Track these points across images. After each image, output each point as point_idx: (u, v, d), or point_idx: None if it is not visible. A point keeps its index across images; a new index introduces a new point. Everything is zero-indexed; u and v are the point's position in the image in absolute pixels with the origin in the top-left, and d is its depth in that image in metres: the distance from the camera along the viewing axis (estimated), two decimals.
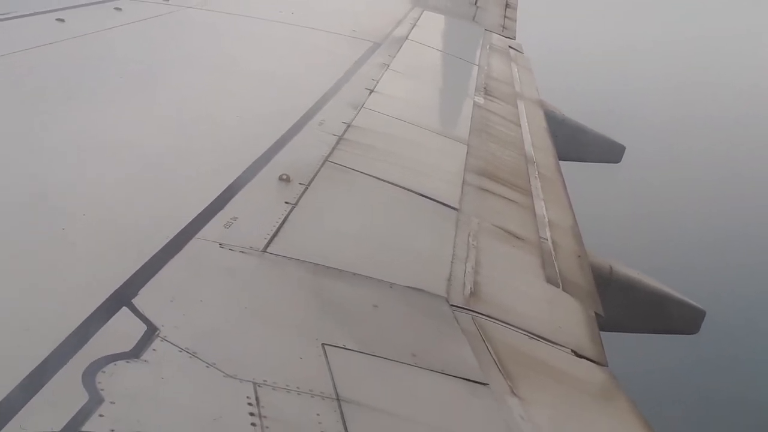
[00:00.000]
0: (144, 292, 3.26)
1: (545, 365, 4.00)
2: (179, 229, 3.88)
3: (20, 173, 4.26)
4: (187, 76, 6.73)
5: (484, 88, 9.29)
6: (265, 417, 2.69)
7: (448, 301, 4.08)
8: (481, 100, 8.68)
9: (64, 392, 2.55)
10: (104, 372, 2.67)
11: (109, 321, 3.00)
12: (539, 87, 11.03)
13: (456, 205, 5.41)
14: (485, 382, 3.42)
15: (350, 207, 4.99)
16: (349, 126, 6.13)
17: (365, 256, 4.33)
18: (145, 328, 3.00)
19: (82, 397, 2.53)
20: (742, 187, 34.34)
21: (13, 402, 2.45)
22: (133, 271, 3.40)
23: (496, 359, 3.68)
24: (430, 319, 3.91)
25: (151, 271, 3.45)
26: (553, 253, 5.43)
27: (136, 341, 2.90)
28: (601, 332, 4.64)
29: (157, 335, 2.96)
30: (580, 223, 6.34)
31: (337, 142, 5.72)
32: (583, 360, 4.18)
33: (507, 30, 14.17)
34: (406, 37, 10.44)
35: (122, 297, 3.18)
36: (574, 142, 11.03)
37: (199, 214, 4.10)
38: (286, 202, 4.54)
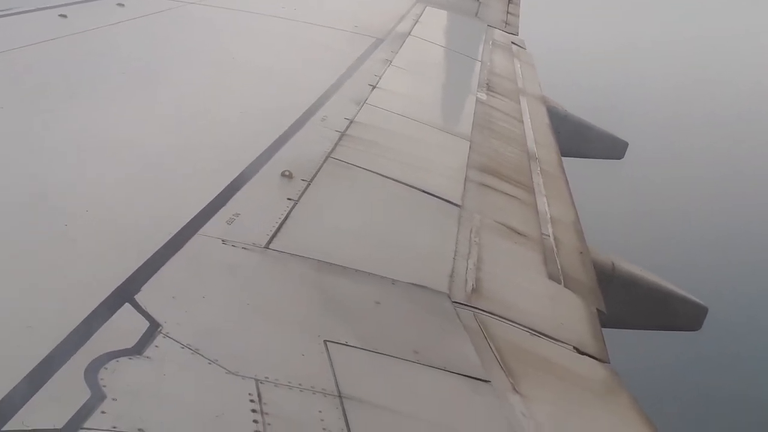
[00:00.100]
0: (146, 288, 3.26)
1: (547, 362, 4.00)
2: (182, 226, 3.88)
3: (22, 170, 4.25)
4: (190, 73, 6.72)
5: (487, 84, 9.28)
6: (267, 414, 2.69)
7: (450, 298, 4.08)
8: (483, 96, 8.68)
9: (66, 389, 2.55)
10: (106, 368, 2.67)
11: (112, 318, 3.00)
12: (542, 83, 11.02)
13: (458, 202, 5.41)
14: (487, 379, 3.42)
15: (352, 203, 4.99)
16: (351, 122, 6.12)
17: (367, 253, 4.33)
18: (148, 324, 3.00)
19: (85, 394, 2.53)
20: (744, 184, 34.31)
21: (15, 398, 2.45)
22: (136, 268, 3.40)
23: (497, 356, 3.68)
24: (432, 316, 3.91)
25: (153, 268, 3.45)
26: (555, 249, 5.43)
27: (138, 338, 2.90)
28: (603, 329, 4.64)
29: (160, 332, 2.97)
30: (582, 219, 6.34)
31: (340, 138, 5.72)
32: (585, 357, 4.18)
33: (510, 26, 14.15)
34: (409, 33, 10.43)
35: (125, 293, 3.18)
36: (577, 138, 11.02)
37: (202, 210, 4.10)
38: (289, 199, 4.54)
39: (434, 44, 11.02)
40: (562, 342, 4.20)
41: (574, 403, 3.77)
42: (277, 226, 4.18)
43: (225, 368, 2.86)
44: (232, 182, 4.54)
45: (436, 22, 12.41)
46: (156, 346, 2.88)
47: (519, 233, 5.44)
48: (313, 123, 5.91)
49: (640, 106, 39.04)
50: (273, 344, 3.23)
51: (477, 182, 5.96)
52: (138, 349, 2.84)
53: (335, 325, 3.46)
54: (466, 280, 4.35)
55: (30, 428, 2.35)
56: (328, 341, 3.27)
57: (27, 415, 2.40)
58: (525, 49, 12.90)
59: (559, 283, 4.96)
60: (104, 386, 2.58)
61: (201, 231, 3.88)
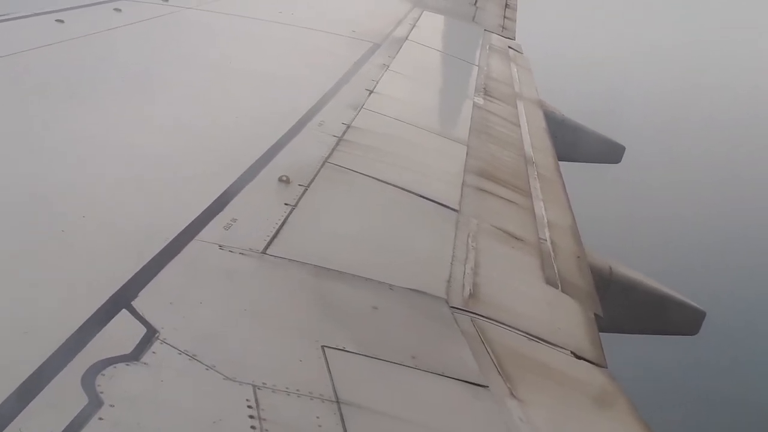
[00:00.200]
0: (143, 294, 3.26)
1: (545, 367, 4.00)
2: (179, 231, 3.88)
3: (19, 175, 4.25)
4: (187, 78, 6.73)
5: (484, 88, 9.29)
6: (264, 419, 2.68)
7: (447, 303, 4.07)
8: (480, 100, 8.68)
9: (63, 395, 2.55)
10: (104, 375, 2.67)
11: (109, 323, 2.99)
12: (539, 87, 11.03)
13: (456, 207, 5.41)
14: (485, 384, 3.42)
15: (350, 208, 4.99)
16: (348, 127, 6.12)
17: (365, 258, 4.33)
18: (145, 330, 2.99)
19: (82, 400, 2.52)
20: (742, 188, 34.37)
21: (12, 405, 2.45)
22: (133, 274, 3.39)
23: (495, 361, 3.68)
24: (430, 321, 3.91)
25: (150, 274, 3.44)
26: (552, 254, 5.43)
27: (135, 344, 2.89)
28: (600, 333, 4.64)
29: (157, 338, 2.96)
30: (579, 223, 6.34)
31: (337, 143, 5.72)
32: (582, 361, 4.18)
33: (506, 30, 14.18)
34: (406, 38, 10.44)
35: (122, 299, 3.17)
36: (574, 143, 11.02)
37: (199, 215, 4.10)
38: (286, 204, 4.54)
39: (431, 49, 11.03)
40: (560, 347, 4.20)
41: (571, 408, 3.76)
42: (274, 231, 4.17)
43: (222, 374, 2.85)
44: (229, 187, 4.53)
45: (433, 26, 12.44)
46: (153, 352, 2.87)
47: (516, 238, 5.44)
48: (311, 128, 5.91)
49: (637, 110, 39.12)
50: (270, 350, 3.23)
51: (474, 187, 5.96)
52: (135, 356, 2.83)
53: (333, 330, 3.46)
54: (464, 285, 4.35)
55: None
56: (326, 347, 3.27)
57: (24, 422, 2.39)
58: (522, 53, 12.91)
59: (557, 288, 4.96)
60: (101, 393, 2.57)
61: (198, 236, 3.88)
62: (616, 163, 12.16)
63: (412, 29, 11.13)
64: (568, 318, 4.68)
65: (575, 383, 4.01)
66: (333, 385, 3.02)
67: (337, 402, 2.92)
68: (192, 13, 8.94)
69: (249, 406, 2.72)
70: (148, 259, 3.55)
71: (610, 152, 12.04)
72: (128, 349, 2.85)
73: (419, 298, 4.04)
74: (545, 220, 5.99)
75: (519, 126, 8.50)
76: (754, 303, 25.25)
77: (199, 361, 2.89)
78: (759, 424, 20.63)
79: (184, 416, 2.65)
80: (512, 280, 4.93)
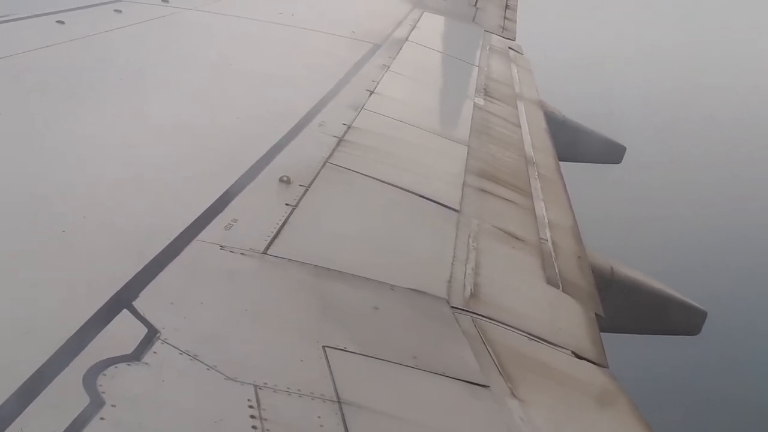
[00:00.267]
0: (144, 294, 3.26)
1: (545, 367, 4.00)
2: (180, 232, 3.88)
3: (20, 176, 4.26)
4: (187, 78, 6.73)
5: (484, 89, 9.29)
6: (266, 419, 2.69)
7: (448, 303, 4.07)
8: (481, 101, 8.69)
9: (65, 395, 2.55)
10: (105, 375, 2.67)
11: (110, 324, 3.00)
12: (539, 88, 11.04)
13: (456, 207, 5.41)
14: (486, 384, 3.42)
15: (351, 208, 4.99)
16: (349, 127, 6.13)
17: (366, 258, 4.33)
18: (146, 330, 2.99)
19: (83, 400, 2.53)
20: (743, 188, 34.36)
21: (14, 405, 2.45)
22: (134, 274, 3.40)
23: (496, 361, 3.68)
24: (431, 321, 3.91)
25: (151, 274, 3.44)
26: (553, 254, 5.43)
27: (136, 344, 2.89)
28: (601, 333, 4.64)
29: (158, 338, 2.96)
30: (581, 224, 6.34)
31: (338, 144, 5.72)
32: (583, 361, 4.18)
33: (507, 31, 14.19)
34: (406, 39, 10.45)
35: (123, 299, 3.18)
36: (575, 143, 11.03)
37: (200, 216, 4.10)
38: (287, 204, 4.54)
39: (432, 50, 11.04)
40: (561, 347, 4.20)
41: (572, 408, 3.76)
42: (275, 231, 4.18)
43: (224, 374, 2.86)
44: (230, 188, 4.54)
45: (433, 27, 12.44)
46: (154, 352, 2.87)
47: (517, 238, 5.44)
48: (311, 128, 5.91)
49: (638, 111, 39.11)
50: (272, 350, 3.23)
51: (475, 187, 5.97)
52: (136, 356, 2.83)
53: (334, 330, 3.46)
54: (465, 285, 4.35)
55: None
56: (327, 347, 3.27)
57: (25, 422, 2.40)
58: (522, 54, 12.92)
59: (558, 288, 4.96)
60: (103, 393, 2.58)
61: (199, 237, 3.88)
62: (617, 163, 12.17)
63: (412, 30, 11.13)
64: (569, 318, 4.68)
65: (576, 383, 4.01)
66: (334, 385, 3.02)
67: (339, 402, 2.92)
68: (192, 14, 8.94)
69: (250, 406, 2.73)
70: (149, 259, 3.56)
71: (610, 152, 12.04)
72: (129, 349, 2.86)
73: (420, 299, 4.04)
74: (546, 221, 5.99)
75: (519, 126, 8.51)
76: (755, 303, 25.24)
77: (201, 361, 2.89)
78: (760, 424, 20.62)
79: (186, 416, 2.66)
80: (513, 281, 4.93)
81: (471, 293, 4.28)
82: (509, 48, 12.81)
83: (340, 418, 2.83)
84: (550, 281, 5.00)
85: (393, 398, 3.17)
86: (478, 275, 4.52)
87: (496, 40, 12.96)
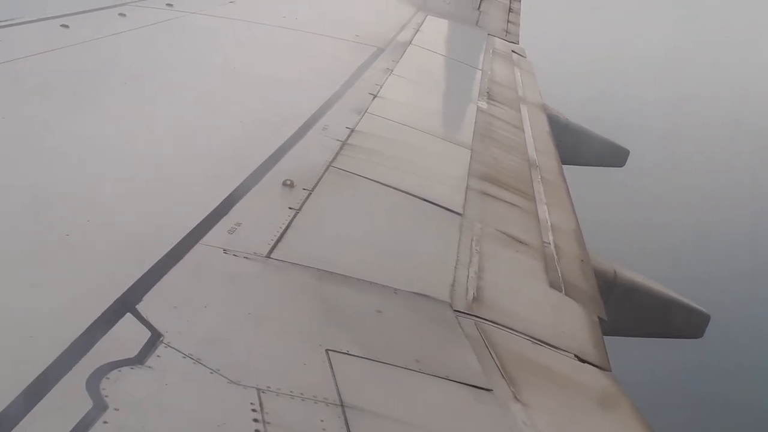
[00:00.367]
0: (148, 298, 3.27)
1: (548, 370, 4.00)
2: (183, 235, 3.89)
3: (24, 179, 4.26)
4: (191, 82, 6.74)
5: (488, 92, 9.30)
6: (269, 423, 2.69)
7: (451, 307, 4.08)
8: (484, 104, 8.69)
9: (68, 399, 2.56)
10: (108, 378, 2.68)
11: (113, 327, 3.00)
12: (542, 91, 11.04)
13: (459, 210, 5.42)
14: (489, 388, 3.42)
15: (354, 212, 4.99)
16: (352, 131, 6.14)
17: (369, 262, 4.34)
18: (149, 334, 3.00)
19: (87, 404, 2.53)
20: (746, 192, 34.31)
21: (17, 409, 2.46)
22: (137, 278, 3.41)
23: (499, 364, 3.68)
24: (434, 325, 3.91)
25: (155, 277, 3.45)
26: (555, 257, 5.43)
27: (140, 347, 2.90)
28: (604, 336, 4.64)
29: (161, 341, 2.97)
30: (584, 227, 6.34)
31: (341, 148, 5.73)
32: (586, 365, 4.18)
33: (510, 34, 14.19)
34: (410, 42, 10.46)
35: (126, 303, 3.18)
36: (578, 146, 11.04)
37: (203, 219, 4.11)
38: (290, 208, 4.55)
39: (435, 53, 11.04)
40: (563, 350, 4.20)
41: (575, 412, 3.76)
42: (278, 235, 4.18)
43: (227, 378, 2.86)
44: (233, 192, 4.54)
45: (436, 31, 12.45)
46: (158, 356, 2.88)
47: (520, 241, 5.44)
48: (315, 132, 5.92)
49: (642, 114, 39.09)
50: (275, 354, 3.23)
51: (478, 191, 5.97)
52: (140, 359, 2.84)
53: (337, 334, 3.46)
54: (468, 288, 4.35)
55: None
56: (330, 350, 3.27)
57: (29, 426, 2.41)
58: (525, 57, 12.93)
59: (560, 291, 4.96)
60: (106, 396, 2.58)
61: (202, 240, 3.89)
62: (621, 166, 12.17)
63: (415, 33, 11.14)
64: (572, 321, 4.68)
65: (579, 387, 4.01)
66: (337, 388, 3.02)
67: (342, 405, 2.92)
68: (196, 17, 8.96)
69: (253, 410, 2.73)
70: (153, 263, 3.56)
71: (614, 156, 12.05)
72: (133, 352, 2.86)
73: (423, 302, 4.04)
74: (549, 224, 6.00)
75: (523, 130, 8.51)
76: (759, 306, 25.20)
77: (204, 365, 2.90)
78: (762, 428, 20.58)
79: (189, 420, 2.66)
80: (516, 284, 4.93)
81: (474, 297, 4.28)
82: (512, 51, 12.82)
83: (343, 422, 2.83)
84: (553, 284, 5.00)
85: (396, 402, 3.17)
86: (481, 279, 4.53)
87: (499, 44, 12.96)
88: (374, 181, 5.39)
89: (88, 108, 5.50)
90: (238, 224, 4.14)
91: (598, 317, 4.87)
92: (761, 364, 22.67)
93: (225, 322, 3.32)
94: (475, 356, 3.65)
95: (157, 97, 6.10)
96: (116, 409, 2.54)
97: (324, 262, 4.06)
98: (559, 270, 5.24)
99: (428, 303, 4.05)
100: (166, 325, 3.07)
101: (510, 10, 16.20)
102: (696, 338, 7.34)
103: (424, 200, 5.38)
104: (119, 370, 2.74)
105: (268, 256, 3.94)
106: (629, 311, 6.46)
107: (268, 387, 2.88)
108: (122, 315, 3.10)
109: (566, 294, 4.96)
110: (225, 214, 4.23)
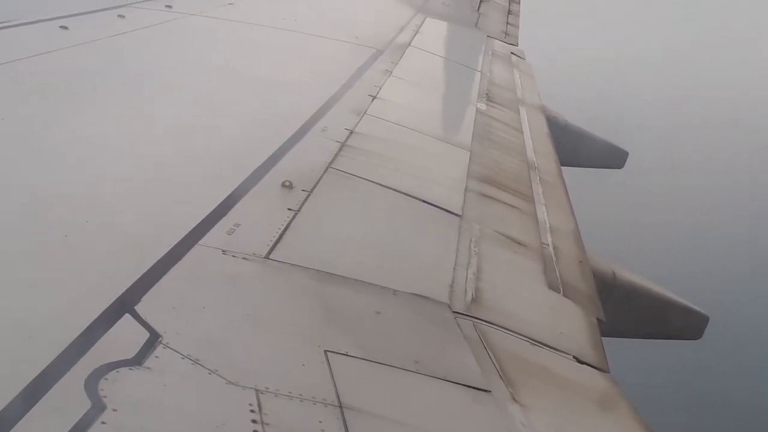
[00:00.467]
0: (146, 299, 3.27)
1: (547, 371, 4.01)
2: (182, 236, 3.89)
3: (23, 180, 4.26)
4: (190, 83, 6.74)
5: (487, 94, 9.30)
6: (267, 424, 2.69)
7: (450, 308, 4.08)
8: (483, 106, 8.70)
9: (66, 399, 2.56)
10: (107, 379, 2.68)
11: (112, 328, 3.01)
12: (541, 93, 11.05)
13: (458, 212, 5.42)
14: (487, 389, 3.42)
15: (353, 213, 5.00)
16: (351, 132, 6.14)
17: (368, 263, 4.34)
18: (148, 335, 3.00)
19: (85, 405, 2.53)
20: (745, 193, 34.33)
21: (15, 409, 2.46)
22: (136, 278, 3.41)
23: (497, 366, 3.68)
24: (433, 326, 3.92)
25: (153, 278, 3.45)
26: (554, 258, 5.43)
27: (138, 348, 2.90)
28: (603, 338, 4.64)
29: (160, 342, 2.97)
30: (583, 228, 6.35)
31: (340, 149, 5.73)
32: (584, 366, 4.18)
33: (509, 36, 14.20)
34: (409, 44, 10.46)
35: (125, 304, 3.18)
36: (577, 148, 11.04)
37: (202, 220, 4.11)
38: (289, 209, 4.55)
39: (434, 55, 11.05)
40: (562, 351, 4.20)
41: (573, 413, 3.77)
42: (277, 236, 4.19)
43: (225, 378, 2.86)
44: (232, 193, 4.54)
45: (436, 32, 12.45)
46: (156, 357, 2.88)
47: (519, 243, 5.45)
48: (314, 133, 5.92)
49: (641, 116, 39.11)
50: (273, 354, 3.24)
51: (477, 192, 5.97)
52: (138, 360, 2.84)
53: (336, 335, 3.47)
54: (466, 290, 4.35)
55: None
56: (329, 351, 3.28)
57: (27, 426, 2.41)
58: (524, 59, 12.94)
59: (559, 293, 4.97)
60: (104, 397, 2.58)
61: (201, 241, 3.89)
62: (619, 168, 12.17)
63: (415, 35, 11.14)
64: (571, 322, 4.68)
65: (577, 388, 4.01)
66: (336, 389, 3.02)
67: (340, 406, 2.92)
68: (195, 19, 8.96)
69: (252, 411, 2.73)
70: (151, 263, 3.56)
71: (613, 157, 12.05)
72: (131, 353, 2.86)
73: (422, 303, 4.05)
74: (547, 225, 6.00)
75: (521, 131, 8.52)
76: (757, 307, 25.21)
77: (202, 366, 2.90)
78: (761, 429, 20.58)
79: (187, 420, 2.66)
80: (514, 285, 4.94)
81: (473, 298, 4.28)
82: (511, 53, 12.82)
83: (341, 423, 2.84)
84: (552, 286, 5.00)
85: (394, 403, 3.18)
86: (479, 280, 4.53)
87: (498, 46, 12.97)
88: (373, 182, 5.39)
89: (87, 109, 5.50)
90: (237, 225, 4.15)
91: (597, 318, 4.88)
92: (760, 365, 22.68)
93: (224, 322, 3.32)
94: (474, 357, 3.65)
95: (156, 98, 6.11)
96: (114, 410, 2.54)
97: (323, 263, 4.07)
98: (557, 271, 5.25)
99: (427, 304, 4.06)
100: (165, 326, 3.07)
101: (509, 12, 16.20)
102: (695, 339, 7.35)
103: (423, 201, 5.38)
104: (117, 371, 2.74)
105: (267, 257, 3.94)
106: (628, 312, 6.47)
107: (267, 388, 2.88)
108: (121, 316, 3.10)
109: (565, 295, 4.97)
110: (224, 215, 4.23)
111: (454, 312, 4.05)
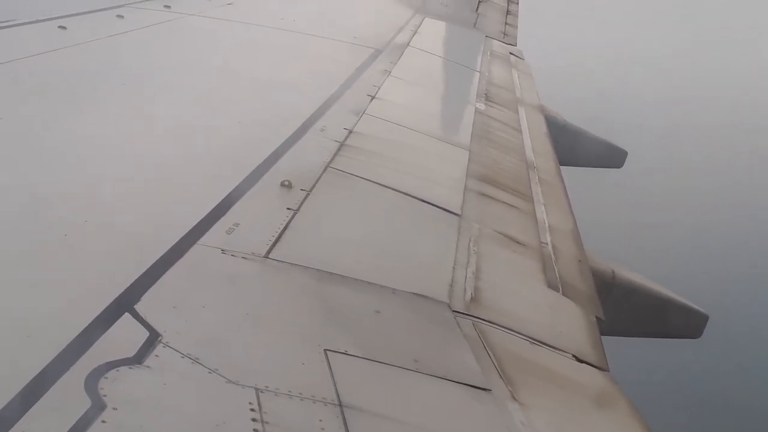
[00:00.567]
0: (146, 298, 3.27)
1: (546, 370, 4.01)
2: (181, 235, 3.89)
3: (22, 180, 4.27)
4: (189, 83, 6.74)
5: (485, 94, 9.31)
6: (267, 423, 2.69)
7: (450, 307, 4.08)
8: (482, 106, 8.70)
9: (66, 398, 2.56)
10: (107, 378, 2.68)
11: (112, 327, 3.01)
12: (540, 93, 11.05)
13: (458, 211, 5.42)
14: (487, 388, 3.43)
15: (352, 213, 5.00)
16: (350, 132, 6.14)
17: (367, 262, 4.35)
18: (148, 334, 3.00)
19: (85, 404, 2.54)
20: (744, 192, 34.34)
21: (16, 408, 2.46)
22: (136, 277, 3.41)
23: (497, 364, 3.69)
24: (432, 325, 3.92)
25: (153, 277, 3.46)
26: (553, 257, 5.44)
27: (138, 347, 2.90)
28: (603, 337, 4.65)
29: (160, 341, 2.97)
30: (582, 228, 6.35)
31: (339, 148, 5.73)
32: (584, 365, 4.18)
33: (508, 36, 14.20)
34: (408, 44, 10.46)
35: (124, 303, 3.19)
36: (576, 147, 11.04)
37: (201, 220, 4.11)
38: (288, 208, 4.55)
39: (433, 55, 11.05)
40: (562, 350, 4.21)
41: (573, 412, 3.77)
42: (276, 235, 4.19)
43: (225, 377, 2.87)
44: (231, 192, 4.55)
45: (434, 33, 12.46)
46: (156, 356, 2.88)
47: (518, 242, 5.45)
48: (313, 133, 5.93)
49: (640, 115, 39.12)
50: (273, 353, 3.24)
51: (476, 192, 5.98)
52: (138, 359, 2.84)
53: (335, 334, 3.47)
54: (466, 289, 4.36)
55: None
56: (329, 350, 3.28)
57: (27, 425, 2.41)
58: (523, 59, 12.94)
59: (558, 292, 4.97)
60: (104, 396, 2.59)
61: (201, 241, 3.89)
62: (619, 167, 12.17)
63: (413, 35, 11.14)
64: (570, 321, 4.68)
65: (577, 387, 4.01)
66: (335, 388, 3.03)
67: (340, 405, 2.93)
68: (194, 19, 8.96)
69: (252, 410, 2.73)
70: (151, 263, 3.57)
71: (612, 157, 12.05)
72: (131, 352, 2.87)
73: (421, 302, 4.05)
74: (546, 225, 6.00)
75: (520, 131, 8.52)
76: (757, 306, 25.23)
77: (202, 365, 2.90)
78: (762, 429, 20.59)
79: (187, 420, 2.66)
80: (514, 284, 4.94)
81: (472, 297, 4.29)
82: (510, 53, 12.82)
83: (341, 422, 2.84)
84: (551, 285, 5.01)
85: (394, 402, 3.18)
86: (479, 279, 4.53)
87: (497, 46, 12.97)
88: (372, 181, 5.39)
89: (86, 109, 5.50)
90: (237, 224, 4.15)
91: (596, 317, 4.88)
92: (760, 364, 22.69)
93: (223, 322, 3.33)
94: (473, 356, 3.66)
95: (155, 98, 6.11)
96: (114, 409, 2.54)
97: (322, 262, 4.07)
98: (556, 270, 5.25)
99: (426, 303, 4.06)
100: (165, 325, 3.07)
101: (507, 12, 16.20)
102: (694, 338, 7.35)
103: (422, 201, 5.38)
104: (117, 370, 2.74)
105: (266, 257, 3.95)
106: (627, 311, 6.47)
107: (267, 387, 2.88)
108: (120, 315, 3.10)
109: (564, 294, 4.97)
110: (223, 214, 4.24)
111: (453, 311, 4.06)
